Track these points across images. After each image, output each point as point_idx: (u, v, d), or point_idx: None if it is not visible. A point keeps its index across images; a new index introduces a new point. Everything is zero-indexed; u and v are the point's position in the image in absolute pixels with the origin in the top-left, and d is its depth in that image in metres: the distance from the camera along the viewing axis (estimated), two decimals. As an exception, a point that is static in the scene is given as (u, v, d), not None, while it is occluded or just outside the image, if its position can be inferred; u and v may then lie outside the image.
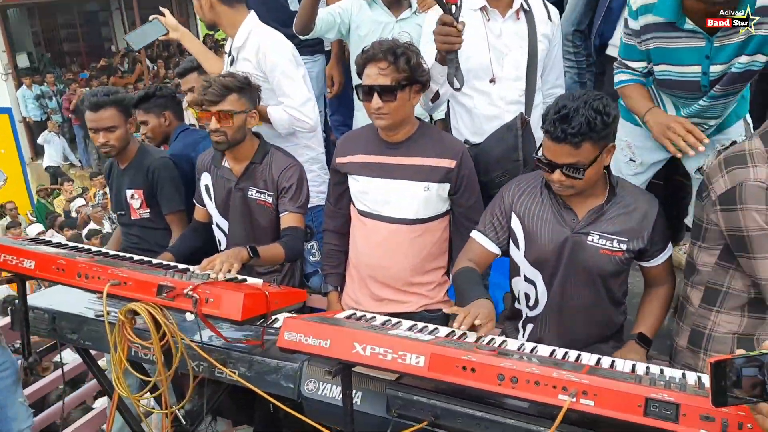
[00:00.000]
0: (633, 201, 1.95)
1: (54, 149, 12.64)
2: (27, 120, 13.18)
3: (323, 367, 1.64)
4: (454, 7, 2.10)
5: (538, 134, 2.57)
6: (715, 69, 2.01)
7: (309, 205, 2.77)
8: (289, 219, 2.51)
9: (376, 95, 2.16)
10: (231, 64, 2.85)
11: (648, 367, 1.58)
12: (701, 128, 2.16)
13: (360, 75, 2.24)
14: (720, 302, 1.85)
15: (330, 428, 1.76)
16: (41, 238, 2.86)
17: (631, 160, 2.46)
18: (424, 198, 2.29)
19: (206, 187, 2.69)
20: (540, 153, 1.88)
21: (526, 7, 2.44)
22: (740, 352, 1.12)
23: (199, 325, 1.79)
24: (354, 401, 1.78)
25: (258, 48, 2.71)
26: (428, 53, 2.29)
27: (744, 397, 1.10)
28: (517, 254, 2.09)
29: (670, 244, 2.03)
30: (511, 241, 2.09)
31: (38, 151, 13.14)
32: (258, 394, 1.84)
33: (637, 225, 1.93)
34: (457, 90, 2.29)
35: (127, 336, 1.89)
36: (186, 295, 1.78)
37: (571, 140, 1.75)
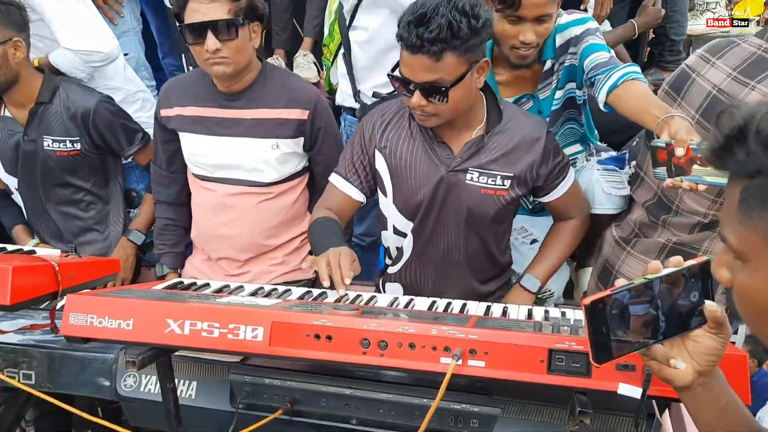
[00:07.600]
0: (516, 127, 1.63)
1: None
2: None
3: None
4: None
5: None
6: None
7: None
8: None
9: (210, 34, 1.68)
10: None
11: (546, 311, 1.29)
12: None
13: (182, 12, 1.72)
14: None
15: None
16: None
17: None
18: (274, 157, 1.87)
19: None
20: (396, 70, 1.51)
21: None
22: (620, 282, 0.82)
23: (-47, 317, 1.29)
24: (187, 394, 1.39)
25: None
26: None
27: (633, 341, 0.82)
28: (385, 202, 1.73)
29: (571, 170, 1.73)
30: (378, 187, 1.73)
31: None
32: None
33: (522, 156, 1.62)
34: None
35: None
36: (-71, 278, 1.27)
37: (429, 48, 1.40)
